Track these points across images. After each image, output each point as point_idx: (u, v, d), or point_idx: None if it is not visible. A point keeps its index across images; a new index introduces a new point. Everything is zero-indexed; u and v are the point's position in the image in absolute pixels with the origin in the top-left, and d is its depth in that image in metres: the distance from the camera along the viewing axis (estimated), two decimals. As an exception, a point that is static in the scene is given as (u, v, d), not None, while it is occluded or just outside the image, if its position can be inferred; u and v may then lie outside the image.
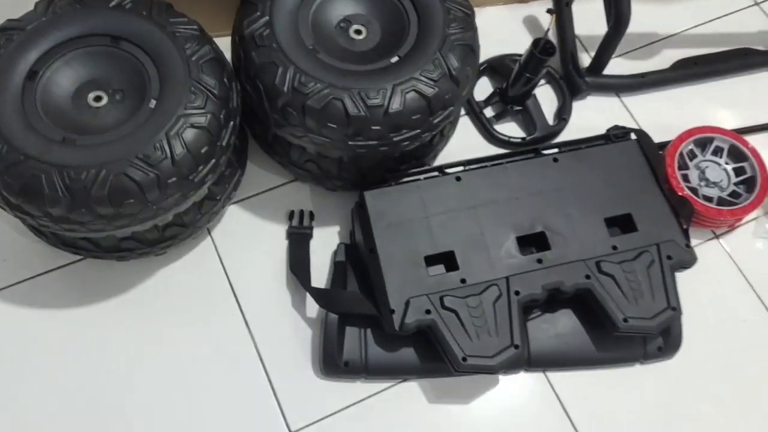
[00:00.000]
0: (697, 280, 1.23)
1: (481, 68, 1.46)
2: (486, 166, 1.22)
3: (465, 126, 1.42)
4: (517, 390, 1.19)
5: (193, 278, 1.25)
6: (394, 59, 1.11)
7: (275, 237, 1.29)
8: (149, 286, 1.24)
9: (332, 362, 1.14)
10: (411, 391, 1.18)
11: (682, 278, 1.17)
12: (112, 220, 1.00)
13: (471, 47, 1.13)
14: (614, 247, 1.15)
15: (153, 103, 1.03)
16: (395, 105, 1.06)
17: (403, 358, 1.16)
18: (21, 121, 1.00)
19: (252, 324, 1.22)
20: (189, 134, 1.01)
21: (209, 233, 1.30)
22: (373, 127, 1.06)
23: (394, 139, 1.09)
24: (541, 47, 1.30)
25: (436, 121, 1.11)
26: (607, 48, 1.41)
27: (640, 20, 1.45)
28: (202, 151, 1.03)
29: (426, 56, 1.09)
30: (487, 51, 1.40)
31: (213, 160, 1.06)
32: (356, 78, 1.07)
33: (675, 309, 1.12)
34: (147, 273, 1.25)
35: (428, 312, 1.08)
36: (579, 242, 1.15)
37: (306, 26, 1.13)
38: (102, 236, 1.09)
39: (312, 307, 1.22)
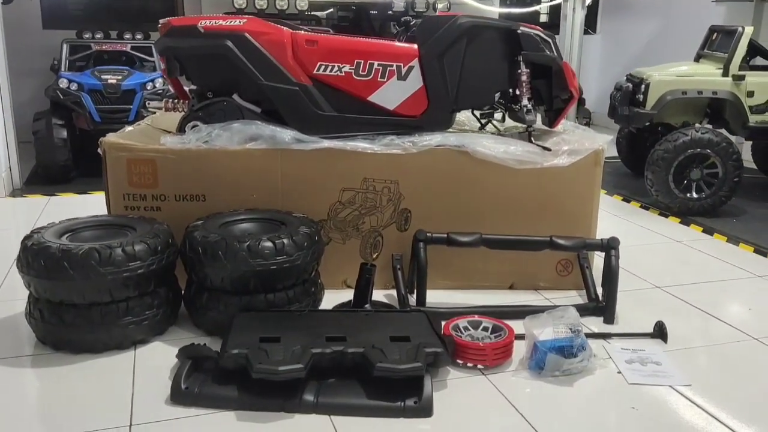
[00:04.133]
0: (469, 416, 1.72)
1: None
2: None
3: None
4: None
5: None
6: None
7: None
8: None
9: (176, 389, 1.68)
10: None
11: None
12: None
13: (310, 235, 2.03)
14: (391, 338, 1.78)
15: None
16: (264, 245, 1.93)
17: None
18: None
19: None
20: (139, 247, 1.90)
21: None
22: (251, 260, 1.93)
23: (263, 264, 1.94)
24: (369, 264, 2.15)
25: (279, 259, 1.94)
26: (421, 285, 2.23)
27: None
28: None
29: (284, 235, 1.99)
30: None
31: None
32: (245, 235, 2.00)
33: (420, 368, 1.66)
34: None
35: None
36: (367, 342, 1.79)
37: (222, 232, 2.07)
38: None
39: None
